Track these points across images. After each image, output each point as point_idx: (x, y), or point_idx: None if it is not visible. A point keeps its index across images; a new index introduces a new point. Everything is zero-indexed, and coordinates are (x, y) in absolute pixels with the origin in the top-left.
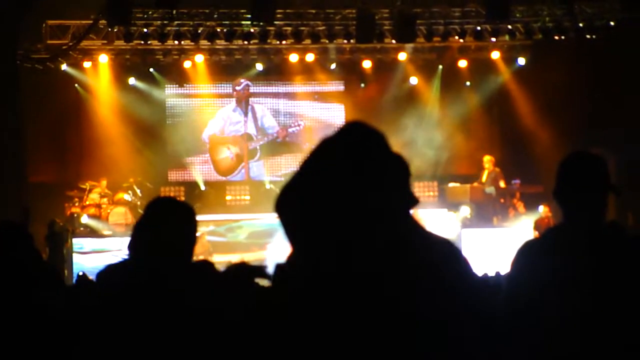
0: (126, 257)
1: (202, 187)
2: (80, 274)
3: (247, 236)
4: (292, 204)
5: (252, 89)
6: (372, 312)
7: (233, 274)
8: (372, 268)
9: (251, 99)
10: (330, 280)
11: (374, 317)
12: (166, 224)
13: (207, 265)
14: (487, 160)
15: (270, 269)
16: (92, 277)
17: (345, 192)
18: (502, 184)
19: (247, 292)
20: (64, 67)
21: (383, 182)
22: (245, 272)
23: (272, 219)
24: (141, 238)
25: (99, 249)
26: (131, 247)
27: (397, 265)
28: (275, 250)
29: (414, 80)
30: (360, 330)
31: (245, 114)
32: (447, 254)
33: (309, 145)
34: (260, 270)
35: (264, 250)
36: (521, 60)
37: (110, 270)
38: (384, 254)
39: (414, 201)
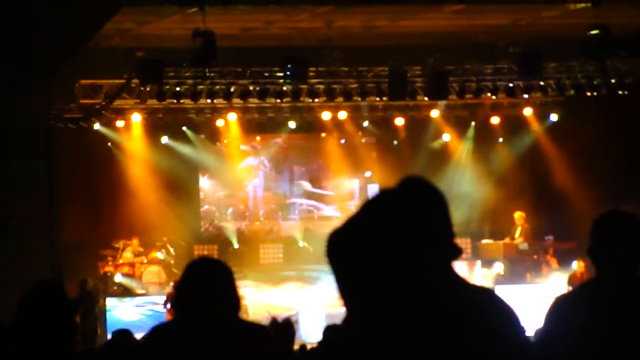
0: (172, 318)
1: (236, 246)
2: (116, 330)
3: None
4: (341, 254)
5: (285, 145)
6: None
7: (279, 330)
8: (427, 322)
9: (289, 160)
10: (385, 335)
11: None
12: (210, 284)
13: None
14: (519, 216)
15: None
16: (131, 333)
17: (395, 243)
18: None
19: (289, 347)
20: (96, 126)
21: (432, 234)
22: (289, 329)
23: None
24: (186, 299)
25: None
26: (177, 307)
27: (454, 320)
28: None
29: (446, 136)
30: None
31: (281, 173)
32: (499, 308)
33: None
34: (293, 328)
35: None
36: (553, 116)
37: (159, 331)
38: (439, 306)
39: (458, 252)
